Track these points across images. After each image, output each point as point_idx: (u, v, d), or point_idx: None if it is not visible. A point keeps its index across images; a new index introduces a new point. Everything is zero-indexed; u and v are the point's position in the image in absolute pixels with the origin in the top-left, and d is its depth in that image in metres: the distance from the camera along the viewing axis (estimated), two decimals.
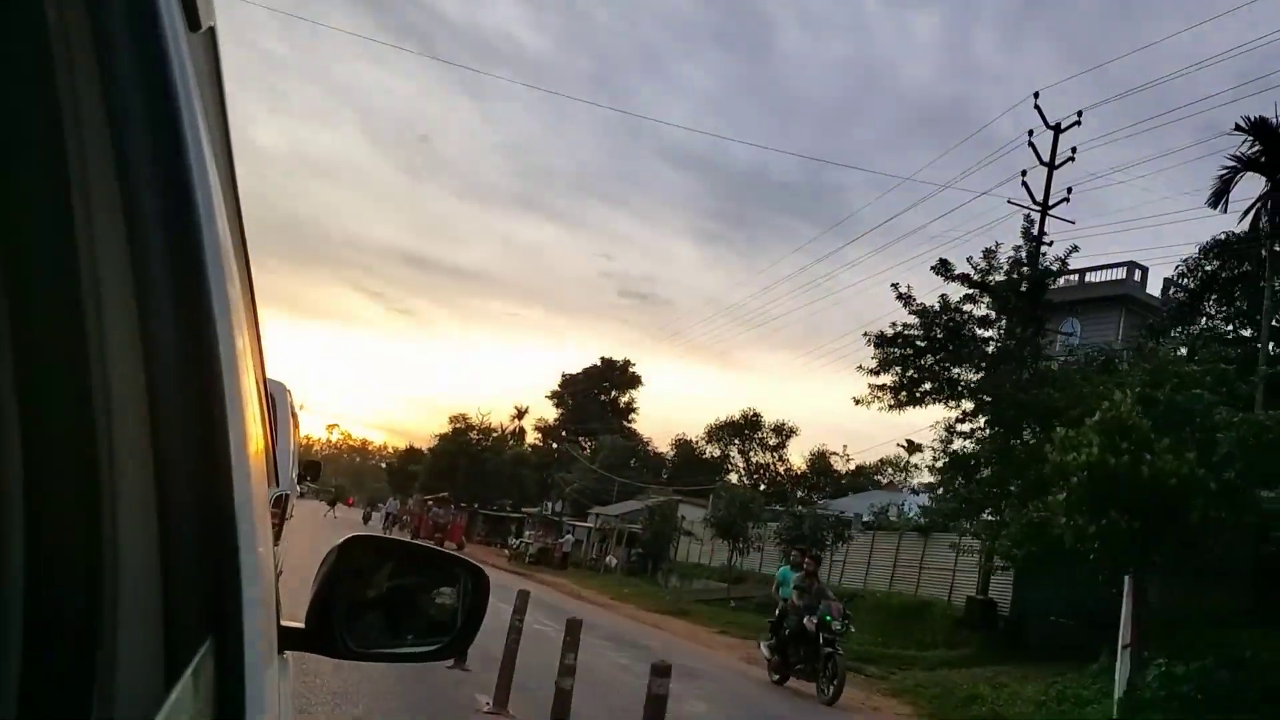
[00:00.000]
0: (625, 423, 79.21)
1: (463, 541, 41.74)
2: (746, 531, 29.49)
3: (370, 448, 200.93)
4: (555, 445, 77.64)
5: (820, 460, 63.00)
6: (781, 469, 62.46)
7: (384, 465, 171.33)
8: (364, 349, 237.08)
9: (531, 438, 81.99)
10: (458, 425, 72.23)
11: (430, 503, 47.02)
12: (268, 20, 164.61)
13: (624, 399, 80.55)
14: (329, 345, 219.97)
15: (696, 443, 64.57)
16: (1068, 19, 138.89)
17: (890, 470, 67.35)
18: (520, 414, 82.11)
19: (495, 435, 74.12)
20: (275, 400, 7.43)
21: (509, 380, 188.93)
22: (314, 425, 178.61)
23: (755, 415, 62.38)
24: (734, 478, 62.65)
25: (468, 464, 67.21)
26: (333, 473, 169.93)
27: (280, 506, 7.13)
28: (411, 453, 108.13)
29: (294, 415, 8.95)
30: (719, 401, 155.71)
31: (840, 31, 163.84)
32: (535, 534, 43.04)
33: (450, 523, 41.77)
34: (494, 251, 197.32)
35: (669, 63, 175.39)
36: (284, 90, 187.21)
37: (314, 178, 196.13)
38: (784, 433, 62.13)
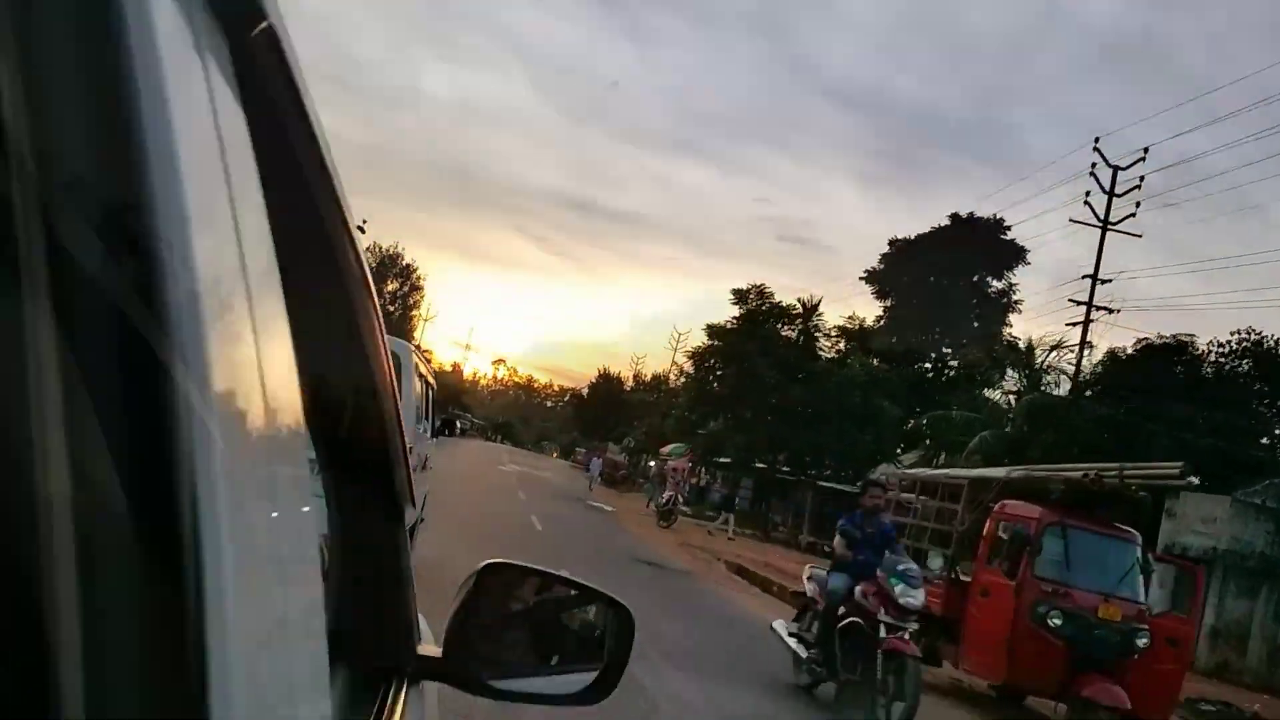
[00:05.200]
0: (1002, 327, 45.09)
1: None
2: None
3: (536, 386, 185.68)
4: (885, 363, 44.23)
5: None
6: None
7: (550, 405, 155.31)
8: (527, 291, 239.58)
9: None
10: (753, 305, 38.46)
11: None
12: None
13: (999, 284, 46.35)
14: (495, 286, 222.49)
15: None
16: None
17: None
18: (810, 308, 47.87)
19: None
20: (400, 359, 8.72)
21: (673, 324, 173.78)
22: (481, 363, 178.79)
23: None
24: None
25: (777, 379, 33.99)
26: (499, 411, 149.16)
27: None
28: (609, 384, 77.42)
29: (420, 374, 10.21)
30: None
31: None
32: None
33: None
34: (652, 195, 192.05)
35: None
36: (452, 38, 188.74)
37: (481, 125, 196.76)
38: None
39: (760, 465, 37.78)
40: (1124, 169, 30.27)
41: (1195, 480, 10.41)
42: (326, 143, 0.91)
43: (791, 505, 37.31)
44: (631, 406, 67.60)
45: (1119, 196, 30.57)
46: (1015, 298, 46.54)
